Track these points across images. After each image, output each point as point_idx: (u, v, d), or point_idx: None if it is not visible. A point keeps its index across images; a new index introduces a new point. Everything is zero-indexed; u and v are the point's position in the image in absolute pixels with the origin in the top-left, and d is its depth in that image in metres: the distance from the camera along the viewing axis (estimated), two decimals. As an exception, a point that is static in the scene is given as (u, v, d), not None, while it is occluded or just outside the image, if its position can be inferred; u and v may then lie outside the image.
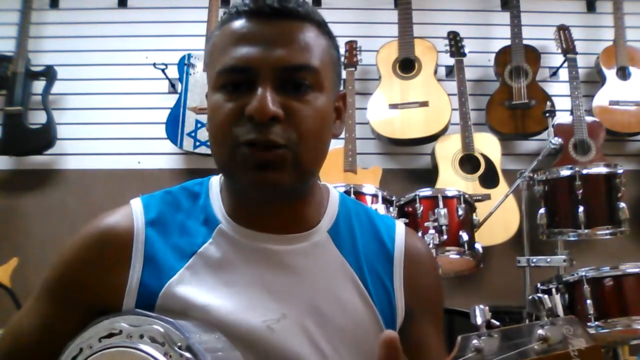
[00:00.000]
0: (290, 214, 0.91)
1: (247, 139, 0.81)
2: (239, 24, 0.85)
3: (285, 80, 0.82)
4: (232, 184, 0.90)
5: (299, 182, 0.86)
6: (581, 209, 2.33)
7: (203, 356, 0.73)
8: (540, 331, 0.58)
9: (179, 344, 0.74)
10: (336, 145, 2.84)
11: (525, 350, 0.57)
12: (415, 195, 2.35)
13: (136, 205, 0.92)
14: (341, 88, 0.95)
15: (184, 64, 3.01)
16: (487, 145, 2.94)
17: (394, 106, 2.97)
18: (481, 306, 0.63)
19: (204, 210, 0.92)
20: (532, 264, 2.33)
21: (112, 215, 0.91)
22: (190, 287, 0.85)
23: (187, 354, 0.73)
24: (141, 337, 0.77)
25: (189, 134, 2.88)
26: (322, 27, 0.89)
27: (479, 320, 0.62)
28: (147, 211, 0.90)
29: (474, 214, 2.41)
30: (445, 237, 2.27)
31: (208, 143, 2.92)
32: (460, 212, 2.32)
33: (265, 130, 0.80)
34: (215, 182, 0.96)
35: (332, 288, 0.90)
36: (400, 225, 1.00)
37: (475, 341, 0.59)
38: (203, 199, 0.93)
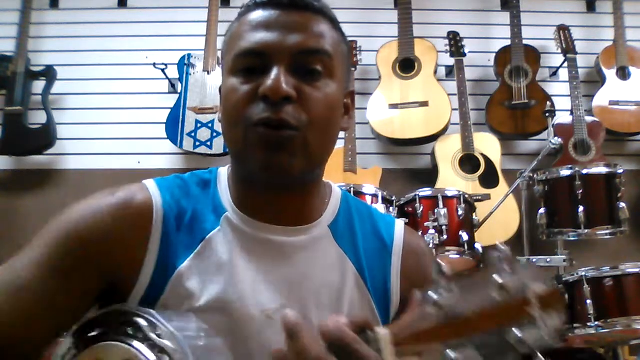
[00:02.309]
0: (295, 206, 0.92)
1: (260, 117, 0.82)
2: (256, 14, 0.88)
3: (299, 65, 0.85)
4: (242, 168, 0.91)
5: (308, 168, 0.87)
6: (581, 209, 2.33)
7: (181, 343, 0.74)
8: (499, 279, 0.57)
9: (158, 332, 0.75)
10: (336, 145, 2.83)
11: (483, 300, 0.57)
12: (415, 195, 2.35)
13: (151, 185, 0.91)
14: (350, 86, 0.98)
15: (184, 64, 3.01)
16: (487, 145, 2.94)
17: (394, 106, 2.98)
18: (438, 260, 0.62)
19: (213, 198, 0.93)
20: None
21: (131, 189, 0.90)
22: (198, 272, 0.86)
23: (167, 342, 0.74)
24: (122, 329, 0.78)
25: (189, 134, 2.88)
26: (335, 23, 0.92)
27: (436, 274, 0.61)
28: (163, 194, 0.90)
29: (474, 214, 2.41)
30: (445, 237, 2.27)
31: (208, 143, 2.93)
32: (460, 212, 2.32)
33: (277, 109, 0.82)
34: (224, 171, 0.97)
35: (331, 281, 0.92)
36: (399, 223, 1.02)
37: (434, 295, 0.58)
38: (212, 187, 0.95)
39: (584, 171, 2.39)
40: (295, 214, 0.92)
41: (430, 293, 0.58)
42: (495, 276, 0.57)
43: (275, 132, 0.82)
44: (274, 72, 0.83)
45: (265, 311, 0.87)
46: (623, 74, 3.08)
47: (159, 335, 0.75)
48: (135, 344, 0.75)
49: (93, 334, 0.81)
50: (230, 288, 0.86)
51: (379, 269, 0.96)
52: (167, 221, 0.88)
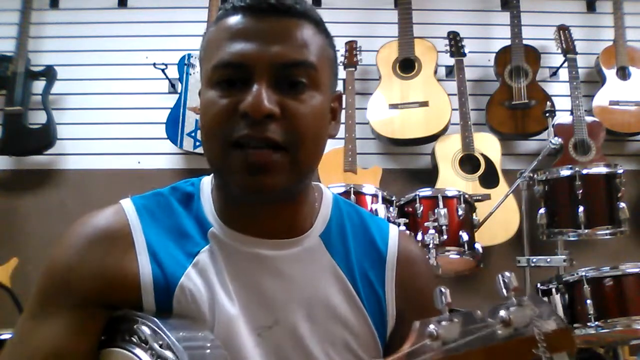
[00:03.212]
0: (283, 218, 0.89)
1: (240, 134, 0.78)
2: (234, 19, 0.82)
3: (282, 78, 0.80)
4: (224, 185, 0.88)
5: (294, 184, 0.84)
6: (581, 209, 2.33)
7: (181, 354, 0.73)
8: (503, 313, 0.52)
9: (160, 342, 0.75)
10: (336, 145, 2.84)
11: (486, 336, 0.52)
12: (415, 195, 2.35)
13: (126, 203, 0.90)
14: (338, 88, 0.93)
15: (184, 64, 3.01)
16: (487, 145, 2.94)
17: (394, 106, 2.97)
18: (442, 289, 0.57)
19: (196, 214, 0.90)
20: (532, 264, 2.33)
21: (103, 212, 0.89)
22: (196, 285, 0.84)
23: (167, 352, 0.74)
24: (128, 336, 0.78)
25: (189, 134, 2.88)
26: (319, 25, 0.86)
27: (440, 304, 0.56)
28: (139, 208, 0.88)
29: (474, 214, 2.41)
30: (445, 237, 2.27)
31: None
32: (460, 212, 2.32)
33: (259, 127, 0.78)
34: (207, 182, 0.94)
35: (323, 293, 0.89)
36: (393, 229, 0.99)
37: (432, 326, 0.54)
38: (195, 200, 0.91)
39: (584, 171, 2.38)
40: (284, 225, 0.89)
41: (430, 323, 0.54)
42: (499, 309, 0.53)
43: (257, 154, 0.78)
44: (255, 88, 0.78)
45: (257, 329, 0.85)
46: (623, 74, 3.08)
47: (160, 345, 0.74)
48: (138, 352, 0.75)
49: None
50: (221, 307, 0.84)
51: (372, 279, 0.92)
52: (152, 242, 0.85)
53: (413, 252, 0.98)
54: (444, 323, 0.53)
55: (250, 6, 0.82)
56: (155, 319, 0.78)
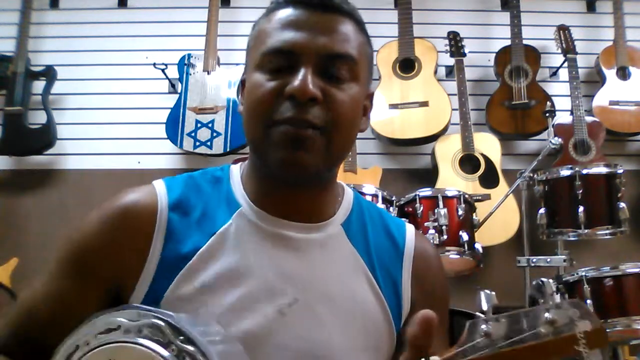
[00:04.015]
0: (310, 203, 0.94)
1: (285, 116, 0.84)
2: (286, 12, 0.90)
3: (325, 67, 0.87)
4: (261, 164, 0.92)
5: (326, 167, 0.89)
6: (581, 209, 2.33)
7: (205, 348, 0.72)
8: (546, 314, 0.58)
9: (181, 337, 0.74)
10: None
11: (532, 334, 0.57)
12: (415, 195, 2.35)
13: (159, 185, 0.93)
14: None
15: (184, 64, 3.01)
16: (487, 145, 2.94)
17: (394, 106, 2.98)
18: (487, 291, 0.65)
19: (226, 194, 0.94)
20: (532, 264, 2.32)
21: (136, 192, 0.93)
22: (208, 269, 0.87)
23: (189, 347, 0.73)
24: (140, 331, 0.76)
25: (189, 134, 2.88)
26: (361, 25, 0.96)
27: (486, 306, 0.64)
28: (170, 192, 0.92)
29: (474, 214, 2.40)
30: (445, 237, 2.27)
31: (208, 143, 2.92)
32: (460, 212, 2.32)
33: (303, 109, 0.84)
34: (236, 168, 0.98)
35: (343, 278, 0.92)
36: (410, 227, 1.04)
37: (483, 326, 0.59)
38: (225, 183, 0.96)
39: (584, 171, 2.38)
40: (309, 210, 0.94)
41: (481, 323, 0.59)
42: (542, 311, 0.58)
43: (297, 130, 0.84)
44: (302, 73, 0.84)
45: (278, 305, 0.87)
46: (623, 74, 3.08)
47: (182, 340, 0.73)
48: (154, 347, 0.73)
49: (104, 333, 0.78)
50: (242, 283, 0.86)
51: (390, 270, 0.97)
52: (173, 221, 0.89)
53: (428, 249, 1.04)
54: (491, 323, 0.59)
55: (301, 0, 0.90)
56: (171, 313, 0.76)
